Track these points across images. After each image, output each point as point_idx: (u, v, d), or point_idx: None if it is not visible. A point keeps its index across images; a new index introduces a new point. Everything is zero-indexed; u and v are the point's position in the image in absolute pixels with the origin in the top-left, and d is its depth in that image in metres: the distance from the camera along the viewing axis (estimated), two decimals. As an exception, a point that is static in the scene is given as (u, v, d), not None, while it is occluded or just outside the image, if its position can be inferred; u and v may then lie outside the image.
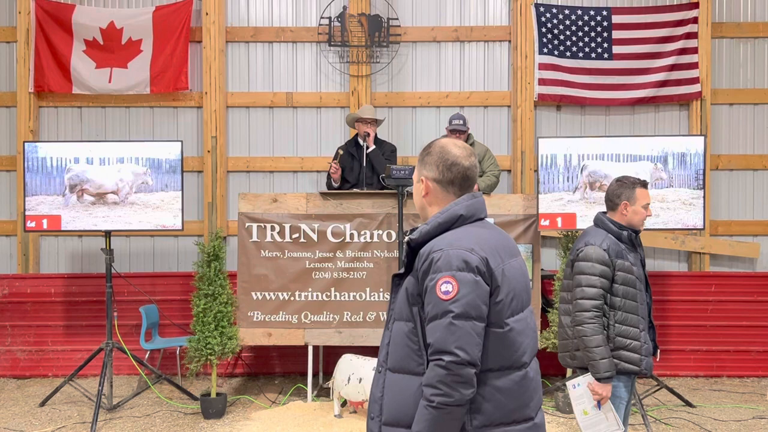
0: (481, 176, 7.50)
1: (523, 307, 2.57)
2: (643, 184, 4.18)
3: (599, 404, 3.93)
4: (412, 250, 2.57)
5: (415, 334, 2.49)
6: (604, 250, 4.00)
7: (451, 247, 2.45)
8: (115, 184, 6.69)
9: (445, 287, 2.38)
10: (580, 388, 4.00)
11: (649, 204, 4.18)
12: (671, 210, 6.67)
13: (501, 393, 2.46)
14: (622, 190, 4.17)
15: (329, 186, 7.39)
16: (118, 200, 6.68)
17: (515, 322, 2.50)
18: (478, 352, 2.37)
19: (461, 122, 7.26)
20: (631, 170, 6.53)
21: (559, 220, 6.72)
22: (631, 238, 4.13)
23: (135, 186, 6.71)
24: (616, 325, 4.01)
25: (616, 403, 4.00)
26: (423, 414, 2.36)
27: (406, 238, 2.60)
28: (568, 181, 6.71)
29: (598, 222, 4.21)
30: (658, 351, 4.28)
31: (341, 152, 7.32)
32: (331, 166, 7.23)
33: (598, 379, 3.90)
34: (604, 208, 4.29)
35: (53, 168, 6.70)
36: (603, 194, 4.49)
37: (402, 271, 2.61)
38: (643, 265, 4.22)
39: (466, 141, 7.44)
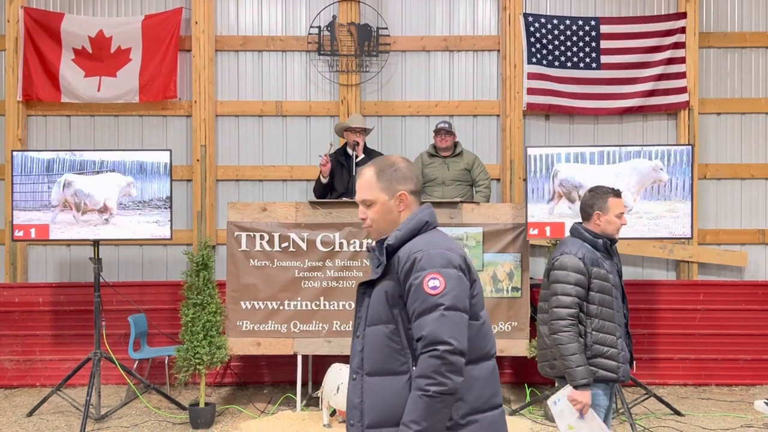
0: (471, 186, 7.53)
1: (485, 303, 2.75)
2: (616, 194, 4.20)
3: (582, 414, 3.93)
4: (388, 255, 2.67)
5: (397, 335, 2.60)
6: (579, 258, 4.03)
7: (430, 247, 2.59)
8: (106, 199, 6.67)
9: (433, 283, 2.51)
10: (561, 403, 3.99)
11: (623, 213, 4.18)
12: (659, 218, 6.69)
13: (479, 382, 2.61)
14: (594, 201, 4.20)
15: (318, 182, 7.37)
16: (111, 216, 6.67)
17: (485, 315, 2.69)
18: (466, 342, 2.51)
19: (447, 125, 7.48)
20: (625, 169, 6.61)
21: (547, 229, 6.73)
22: (606, 246, 4.16)
23: (120, 197, 6.69)
24: (593, 332, 4.02)
25: (597, 411, 4.01)
26: (417, 404, 2.45)
27: (385, 244, 2.69)
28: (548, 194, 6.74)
29: (574, 232, 4.25)
30: (634, 363, 4.29)
31: (332, 145, 7.44)
32: (321, 158, 7.24)
33: (576, 387, 3.92)
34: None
35: (41, 176, 6.68)
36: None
37: (375, 277, 2.70)
38: (620, 275, 4.25)
39: (454, 149, 7.48)
